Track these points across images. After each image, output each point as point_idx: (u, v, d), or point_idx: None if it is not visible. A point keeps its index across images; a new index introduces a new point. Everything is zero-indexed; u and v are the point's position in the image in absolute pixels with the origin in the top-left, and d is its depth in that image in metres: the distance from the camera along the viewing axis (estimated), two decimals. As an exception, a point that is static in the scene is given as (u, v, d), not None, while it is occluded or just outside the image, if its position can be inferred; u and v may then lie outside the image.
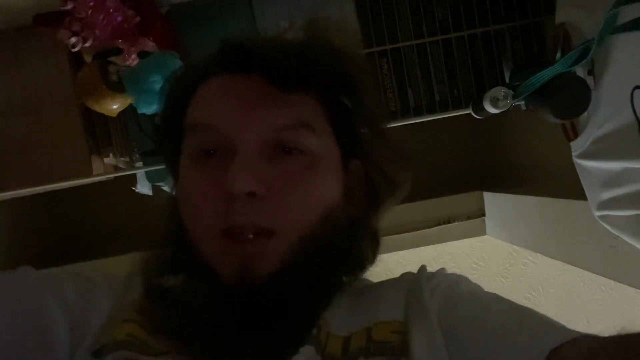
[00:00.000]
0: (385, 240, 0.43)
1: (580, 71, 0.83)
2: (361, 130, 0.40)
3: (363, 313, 0.35)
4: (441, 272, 0.40)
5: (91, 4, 0.82)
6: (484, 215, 1.39)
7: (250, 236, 0.33)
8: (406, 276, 0.40)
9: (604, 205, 0.80)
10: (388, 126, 0.44)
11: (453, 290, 0.36)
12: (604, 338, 0.27)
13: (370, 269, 0.42)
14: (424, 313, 0.33)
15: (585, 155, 0.83)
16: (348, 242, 0.38)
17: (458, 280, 0.38)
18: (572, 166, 0.88)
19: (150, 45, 0.90)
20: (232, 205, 0.33)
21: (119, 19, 0.85)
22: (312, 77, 0.36)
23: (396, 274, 0.42)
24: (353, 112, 0.39)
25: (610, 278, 0.91)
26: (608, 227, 0.80)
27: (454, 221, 1.38)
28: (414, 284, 0.37)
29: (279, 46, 0.36)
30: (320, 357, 0.30)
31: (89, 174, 0.97)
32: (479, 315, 0.32)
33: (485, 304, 0.34)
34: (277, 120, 0.35)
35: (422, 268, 0.40)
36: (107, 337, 0.32)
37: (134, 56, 0.88)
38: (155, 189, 1.11)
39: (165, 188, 1.11)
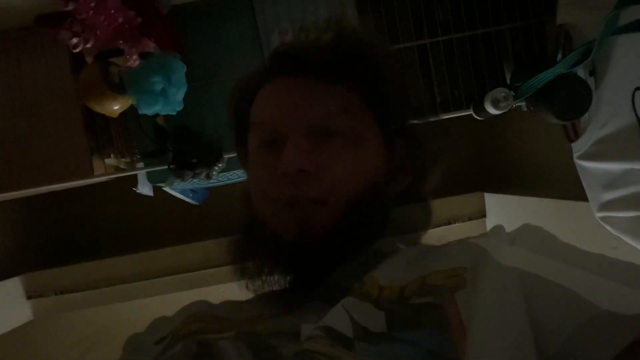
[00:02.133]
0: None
1: (581, 72, 0.83)
2: (400, 111, 0.46)
3: (419, 266, 0.37)
4: (524, 225, 0.40)
5: (92, 4, 0.82)
6: (484, 216, 1.39)
7: (304, 207, 0.40)
8: (472, 238, 0.40)
9: (605, 206, 0.79)
10: (424, 104, 0.51)
11: (542, 242, 0.36)
12: None
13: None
14: (501, 257, 0.32)
15: (586, 156, 0.83)
16: (396, 208, 0.44)
17: (544, 232, 0.38)
18: (573, 167, 0.88)
19: (151, 46, 0.90)
20: (287, 182, 0.40)
21: (120, 19, 0.85)
22: (345, 69, 0.43)
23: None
24: (389, 96, 0.45)
25: (611, 279, 0.90)
26: (609, 229, 0.79)
27: (455, 222, 1.38)
28: (489, 234, 0.39)
29: (315, 47, 0.44)
30: (372, 305, 0.32)
31: (90, 174, 0.97)
32: (578, 268, 0.31)
33: (583, 255, 0.33)
34: (319, 109, 0.42)
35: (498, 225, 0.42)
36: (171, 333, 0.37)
37: (135, 57, 0.88)
38: (156, 189, 1.11)
39: (166, 189, 1.11)
